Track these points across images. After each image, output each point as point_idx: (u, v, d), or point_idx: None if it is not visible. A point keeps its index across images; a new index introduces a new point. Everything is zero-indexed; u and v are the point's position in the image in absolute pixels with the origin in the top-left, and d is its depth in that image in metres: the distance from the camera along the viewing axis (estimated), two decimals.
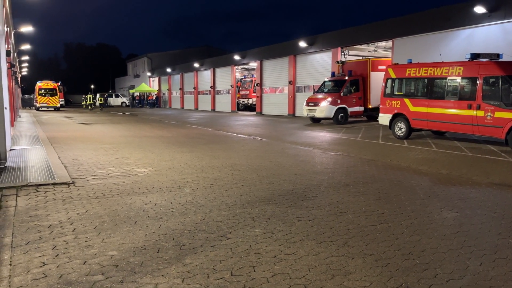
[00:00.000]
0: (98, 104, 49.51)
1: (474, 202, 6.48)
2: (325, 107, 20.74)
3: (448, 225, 5.29)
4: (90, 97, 48.92)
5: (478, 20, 18.42)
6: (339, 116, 21.24)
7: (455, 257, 4.25)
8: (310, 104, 21.54)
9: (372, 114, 22.30)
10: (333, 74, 22.95)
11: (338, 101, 21.12)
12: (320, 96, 21.59)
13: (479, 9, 17.98)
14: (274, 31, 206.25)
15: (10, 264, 3.95)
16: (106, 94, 62.43)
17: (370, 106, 22.09)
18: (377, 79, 21.09)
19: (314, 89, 25.64)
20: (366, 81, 21.84)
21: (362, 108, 22.09)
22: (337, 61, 23.63)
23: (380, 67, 21.58)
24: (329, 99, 20.72)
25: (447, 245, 4.58)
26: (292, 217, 5.54)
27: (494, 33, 17.98)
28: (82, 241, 4.57)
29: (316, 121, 22.11)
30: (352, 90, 21.79)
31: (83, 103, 56.15)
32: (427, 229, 5.14)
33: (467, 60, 13.50)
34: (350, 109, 21.64)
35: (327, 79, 23.00)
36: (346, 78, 21.52)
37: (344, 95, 21.32)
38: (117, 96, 59.83)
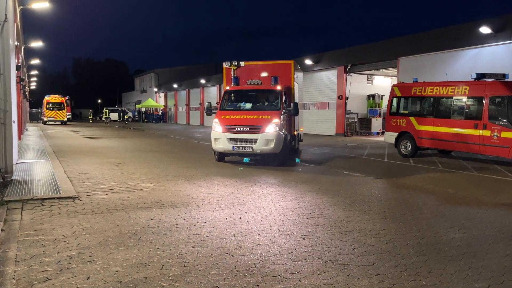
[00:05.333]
0: (125, 119, 54.14)
1: (481, 222, 6.40)
2: (272, 135, 11.89)
3: (455, 246, 5.22)
4: (106, 112, 54.08)
5: (484, 40, 18.51)
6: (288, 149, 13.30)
7: (462, 279, 4.19)
8: (238, 130, 12.13)
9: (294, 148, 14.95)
10: (236, 80, 13.83)
11: (283, 125, 12.54)
12: (255, 116, 12.40)
13: (485, 30, 18.08)
14: (282, 49, 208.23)
15: (14, 279, 3.93)
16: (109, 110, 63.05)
17: (295, 133, 14.66)
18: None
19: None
20: (291, 94, 14.01)
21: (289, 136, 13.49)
22: (229, 62, 14.30)
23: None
24: (275, 120, 12.03)
25: (454, 266, 4.52)
26: (296, 236, 5.50)
27: (500, 53, 18.03)
28: (86, 256, 4.55)
29: (221, 158, 13.25)
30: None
31: (90, 117, 56.83)
32: (434, 249, 5.08)
33: (473, 79, 13.52)
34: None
35: (238, 89, 13.77)
36: (279, 88, 12.92)
37: (283, 115, 12.70)
38: (125, 112, 60.33)
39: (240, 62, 14.32)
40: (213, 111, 13.35)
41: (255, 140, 11.95)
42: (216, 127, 12.50)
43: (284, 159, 12.66)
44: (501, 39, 17.88)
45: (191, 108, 53.46)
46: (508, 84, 12.77)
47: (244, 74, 14.09)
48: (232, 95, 13.59)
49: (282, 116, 12.42)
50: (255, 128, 12.06)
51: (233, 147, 12.17)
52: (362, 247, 5.10)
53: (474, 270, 4.42)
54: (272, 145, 11.95)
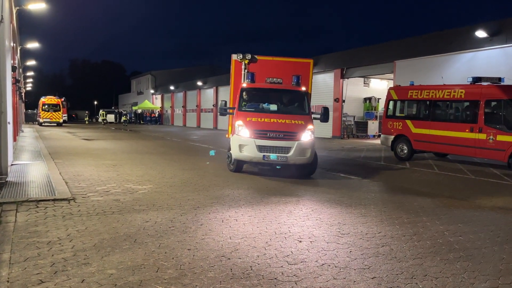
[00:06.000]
0: (122, 120, 53.88)
1: (477, 225, 6.41)
2: (309, 144, 10.52)
3: (451, 249, 5.22)
4: (103, 113, 55.13)
5: (479, 44, 18.62)
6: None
7: (458, 282, 4.19)
8: (270, 136, 10.37)
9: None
10: (251, 76, 11.64)
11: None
12: (287, 120, 10.74)
13: (481, 33, 18.18)
14: (279, 52, 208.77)
15: (8, 281, 3.90)
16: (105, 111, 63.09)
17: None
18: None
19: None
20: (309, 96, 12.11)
21: None
22: (241, 55, 12.02)
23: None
24: (310, 127, 10.72)
25: (450, 270, 4.52)
26: (293, 238, 5.48)
27: (496, 57, 18.14)
28: (81, 258, 4.52)
29: (239, 168, 11.32)
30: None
31: (86, 119, 56.74)
32: (430, 252, 5.08)
33: (469, 83, 13.59)
34: None
35: (259, 87, 11.67)
36: (304, 89, 11.67)
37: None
38: (121, 114, 60.40)
39: (254, 56, 12.21)
40: (229, 111, 11.47)
41: (289, 149, 10.22)
42: (242, 131, 10.52)
43: (314, 170, 11.11)
44: (496, 43, 17.99)
45: (188, 110, 53.47)
46: (503, 88, 12.84)
47: (257, 70, 12.02)
48: (246, 94, 11.53)
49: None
50: (290, 135, 10.38)
51: (263, 156, 10.21)
52: (358, 250, 5.09)
53: (470, 274, 4.42)
54: (308, 154, 10.38)
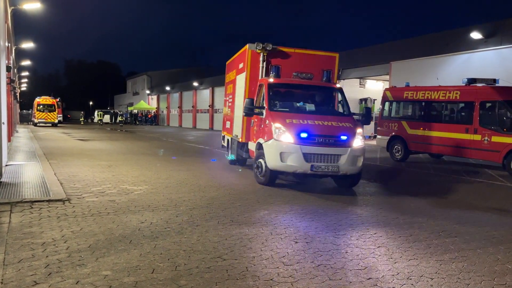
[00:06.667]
0: (118, 121, 53.86)
1: (472, 226, 6.43)
2: (361, 151, 9.05)
3: (446, 250, 5.24)
4: (100, 114, 55.39)
5: (474, 45, 18.72)
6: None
7: (454, 283, 4.20)
8: (319, 142, 8.72)
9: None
10: (277, 70, 10.08)
11: None
12: (333, 123, 9.20)
13: (476, 35, 18.28)
14: None
15: (2, 282, 3.86)
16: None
17: None
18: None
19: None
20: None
21: None
22: (261, 45, 10.45)
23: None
24: (359, 130, 9.24)
25: (445, 270, 4.52)
26: (289, 239, 5.48)
27: (490, 58, 18.24)
28: (76, 260, 4.49)
29: (272, 180, 9.39)
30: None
31: (81, 119, 56.55)
32: (426, 253, 5.09)
33: (464, 84, 13.66)
34: None
35: (289, 83, 10.30)
36: (338, 86, 10.65)
37: None
38: (117, 114, 60.32)
39: (275, 47, 10.62)
40: (256, 111, 9.71)
41: (340, 157, 8.63)
42: (283, 136, 8.70)
43: (358, 180, 9.47)
44: (491, 44, 18.09)
45: (184, 111, 53.38)
46: (498, 89, 12.91)
47: (277, 64, 10.47)
48: (274, 91, 9.92)
49: None
50: (341, 140, 8.78)
51: (311, 166, 8.49)
52: (354, 250, 5.09)
53: (465, 274, 4.44)
54: (360, 163, 8.87)
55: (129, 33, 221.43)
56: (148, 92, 65.39)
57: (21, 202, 7.00)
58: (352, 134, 8.91)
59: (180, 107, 54.23)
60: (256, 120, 9.99)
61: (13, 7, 15.50)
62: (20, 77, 44.29)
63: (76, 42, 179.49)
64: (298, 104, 9.95)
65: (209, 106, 45.68)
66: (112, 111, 62.23)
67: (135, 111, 60.69)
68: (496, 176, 11.90)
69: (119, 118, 54.05)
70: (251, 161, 11.16)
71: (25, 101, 62.26)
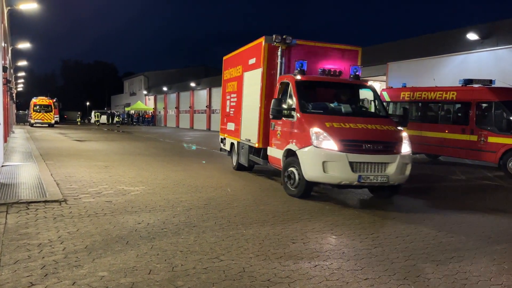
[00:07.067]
0: (115, 121, 54.15)
1: (469, 227, 6.46)
2: (409, 158, 8.19)
3: (443, 250, 5.25)
4: (98, 114, 55.25)
5: (471, 46, 18.79)
6: None
7: (450, 283, 4.21)
8: (365, 149, 7.67)
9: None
10: (302, 66, 9.08)
11: None
12: (376, 126, 8.29)
13: (472, 36, 18.35)
14: None
15: None
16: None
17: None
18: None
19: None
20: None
21: None
22: (280, 38, 9.33)
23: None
24: (405, 134, 8.33)
25: (442, 271, 4.54)
26: (286, 239, 5.48)
27: (487, 59, 18.31)
28: (72, 261, 4.47)
29: (308, 191, 8.29)
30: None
31: (78, 119, 56.41)
32: (422, 253, 5.10)
33: (460, 85, 13.71)
34: None
35: (319, 80, 9.31)
36: (370, 84, 10.66)
37: None
38: (114, 114, 60.25)
39: (294, 39, 9.52)
40: (285, 113, 8.57)
41: (388, 165, 7.66)
42: (324, 142, 7.61)
43: (399, 189, 8.43)
44: (487, 45, 18.16)
45: (181, 111, 53.34)
46: (494, 90, 12.96)
47: (296, 58, 9.37)
48: (302, 90, 8.73)
49: None
50: (390, 146, 7.82)
51: (359, 177, 7.44)
52: (351, 251, 5.10)
53: (461, 275, 4.45)
54: (408, 171, 7.94)
55: (126, 33, 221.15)
56: (145, 92, 65.31)
57: (17, 203, 6.97)
58: (399, 139, 8.00)
59: (177, 107, 54.18)
60: (281, 123, 8.82)
61: (9, 8, 15.46)
62: (16, 78, 44.15)
63: (73, 43, 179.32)
64: (332, 105, 8.82)
65: (206, 106, 45.67)
66: (109, 112, 62.10)
67: (132, 111, 60.59)
68: (492, 176, 11.94)
69: (116, 119, 54.15)
70: (260, 167, 10.88)
71: (21, 102, 62.03)
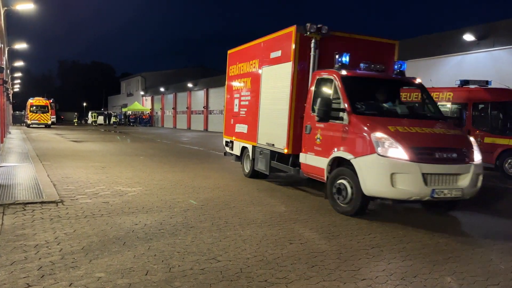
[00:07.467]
0: (112, 122, 54.29)
1: (466, 227, 6.48)
2: (481, 167, 7.10)
3: (440, 250, 5.26)
4: (95, 115, 55.77)
5: (467, 47, 18.85)
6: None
7: (447, 283, 4.22)
8: (439, 158, 6.53)
9: None
10: (345, 59, 7.84)
11: None
12: (443, 131, 7.21)
13: (468, 37, 18.42)
14: None
15: None
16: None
17: None
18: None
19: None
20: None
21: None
22: (315, 27, 8.12)
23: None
24: (472, 139, 7.38)
25: (439, 271, 4.55)
26: (283, 240, 5.48)
27: (483, 60, 18.38)
28: (69, 262, 4.46)
29: (363, 208, 7.01)
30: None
31: (75, 120, 56.27)
32: (419, 254, 5.11)
33: (457, 86, 13.75)
34: None
35: (369, 76, 8.04)
36: (419, 81, 8.55)
37: None
38: (110, 115, 60.29)
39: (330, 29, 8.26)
40: (334, 114, 7.28)
41: (462, 176, 6.58)
42: (391, 150, 6.36)
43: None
44: (484, 46, 18.24)
45: (178, 112, 53.29)
46: (491, 91, 13.01)
47: (329, 50, 8.21)
48: (350, 87, 7.45)
49: None
50: (462, 154, 6.74)
51: (433, 191, 6.27)
52: (348, 251, 5.10)
53: (458, 275, 4.46)
54: (480, 183, 6.89)
55: (124, 34, 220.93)
56: (142, 93, 65.22)
57: (13, 204, 6.94)
58: (470, 145, 6.96)
59: (174, 108, 54.12)
60: (322, 126, 7.60)
61: (6, 8, 15.41)
62: (13, 78, 44.01)
63: (70, 43, 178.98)
64: (386, 105, 7.80)
65: (203, 107, 45.64)
66: (106, 112, 62.02)
67: (129, 112, 60.51)
68: (489, 177, 11.98)
69: (113, 119, 54.06)
70: (276, 175, 9.66)
71: (18, 102, 61.82)
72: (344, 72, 7.60)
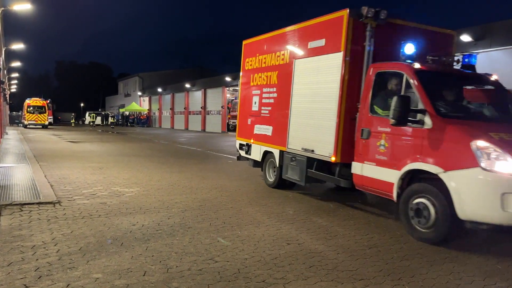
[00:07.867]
0: (109, 122, 54.25)
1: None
2: None
3: (437, 251, 5.28)
4: (92, 115, 55.27)
5: (464, 48, 18.88)
6: None
7: (444, 283, 4.23)
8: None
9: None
10: (411, 50, 6.51)
11: None
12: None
13: (465, 38, 18.47)
14: None
15: None
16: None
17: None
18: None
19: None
20: None
21: None
22: (373, 11, 6.77)
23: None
24: None
25: (436, 271, 4.56)
26: (281, 240, 5.48)
27: (480, 61, 18.34)
28: (66, 263, 4.45)
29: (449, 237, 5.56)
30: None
31: (72, 121, 56.19)
32: (417, 254, 5.12)
33: None
34: None
35: (447, 72, 7.18)
36: (495, 77, 7.84)
37: None
38: (108, 116, 60.40)
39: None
40: (411, 117, 5.85)
41: None
42: (500, 163, 5.06)
43: None
44: (481, 47, 18.28)
45: (176, 113, 53.23)
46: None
47: (384, 40, 7.06)
48: (425, 83, 6.09)
49: None
50: None
51: None
52: (346, 252, 5.11)
53: (455, 275, 4.47)
54: None
55: (121, 34, 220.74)
56: (140, 93, 65.10)
57: (10, 205, 6.92)
58: None
59: (172, 108, 54.05)
60: (390, 130, 6.24)
61: (3, 8, 15.38)
62: (10, 79, 43.93)
63: (67, 43, 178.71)
64: (472, 106, 6.80)
65: (201, 107, 45.60)
66: (103, 113, 61.94)
67: (127, 112, 60.42)
68: None
69: (110, 120, 54.02)
70: (301, 185, 8.61)
71: (15, 103, 61.69)
72: (418, 66, 6.31)
